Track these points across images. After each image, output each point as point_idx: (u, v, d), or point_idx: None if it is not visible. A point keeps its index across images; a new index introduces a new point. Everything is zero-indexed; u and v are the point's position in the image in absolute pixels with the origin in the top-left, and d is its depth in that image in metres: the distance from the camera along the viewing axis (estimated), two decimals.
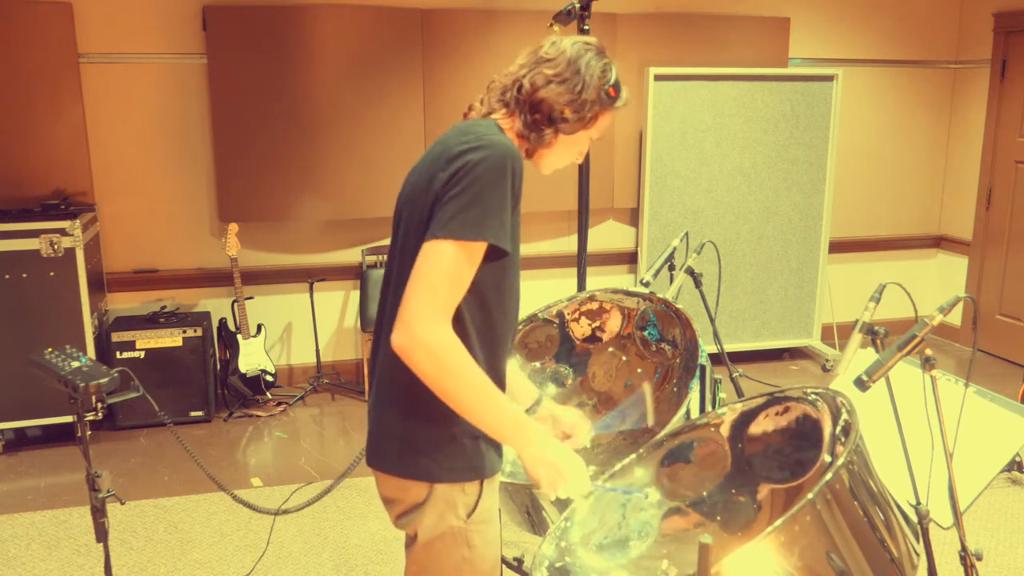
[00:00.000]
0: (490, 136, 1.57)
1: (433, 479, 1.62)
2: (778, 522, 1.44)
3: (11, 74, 4.28)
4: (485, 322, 1.62)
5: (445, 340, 1.50)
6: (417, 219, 1.59)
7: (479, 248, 1.52)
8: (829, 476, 1.50)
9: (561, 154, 1.74)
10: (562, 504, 2.05)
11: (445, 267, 1.50)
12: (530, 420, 1.64)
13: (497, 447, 1.69)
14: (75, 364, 2.28)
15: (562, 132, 1.68)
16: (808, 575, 1.47)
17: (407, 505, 1.65)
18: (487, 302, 1.61)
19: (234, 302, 4.65)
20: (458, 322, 1.57)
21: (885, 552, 1.59)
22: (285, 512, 3.47)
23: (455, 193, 1.51)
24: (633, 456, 2.06)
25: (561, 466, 1.63)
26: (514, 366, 2.02)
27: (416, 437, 1.60)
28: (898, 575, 1.60)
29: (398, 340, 1.51)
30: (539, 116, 1.66)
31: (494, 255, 1.55)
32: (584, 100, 1.65)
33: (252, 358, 4.65)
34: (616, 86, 1.70)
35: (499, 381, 1.68)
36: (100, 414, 4.22)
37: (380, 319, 1.72)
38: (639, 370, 2.49)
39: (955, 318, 5.86)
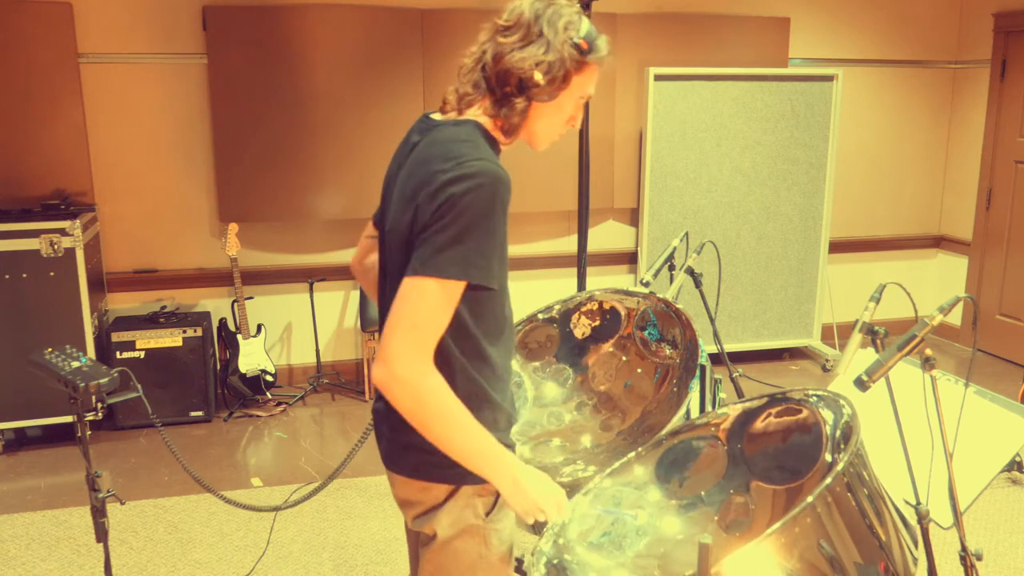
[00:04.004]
0: (476, 160, 1.48)
1: (456, 481, 1.61)
2: (778, 524, 1.44)
3: (11, 74, 4.28)
4: (477, 352, 1.59)
5: (424, 378, 1.48)
6: (399, 242, 1.56)
7: (460, 286, 1.48)
8: (829, 479, 1.50)
9: (549, 124, 1.63)
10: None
11: (426, 305, 1.46)
12: (508, 454, 1.60)
13: (511, 447, 1.70)
14: (75, 364, 2.28)
15: (537, 100, 1.56)
16: None
17: (427, 506, 1.65)
18: (478, 334, 1.58)
19: (234, 302, 4.65)
20: (444, 358, 1.54)
21: (883, 554, 1.59)
22: (281, 509, 3.47)
23: (439, 227, 1.45)
24: (632, 455, 2.06)
25: (538, 497, 1.61)
26: None
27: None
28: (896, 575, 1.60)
29: (378, 375, 1.49)
30: (509, 88, 1.55)
31: (479, 287, 1.51)
32: (551, 60, 1.52)
33: (252, 358, 4.65)
34: (588, 36, 1.56)
35: (506, 405, 1.68)
36: (100, 414, 4.22)
37: (382, 321, 1.72)
38: (639, 370, 2.49)
39: (955, 318, 5.86)
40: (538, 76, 1.53)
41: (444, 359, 1.55)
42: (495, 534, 1.66)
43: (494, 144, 1.61)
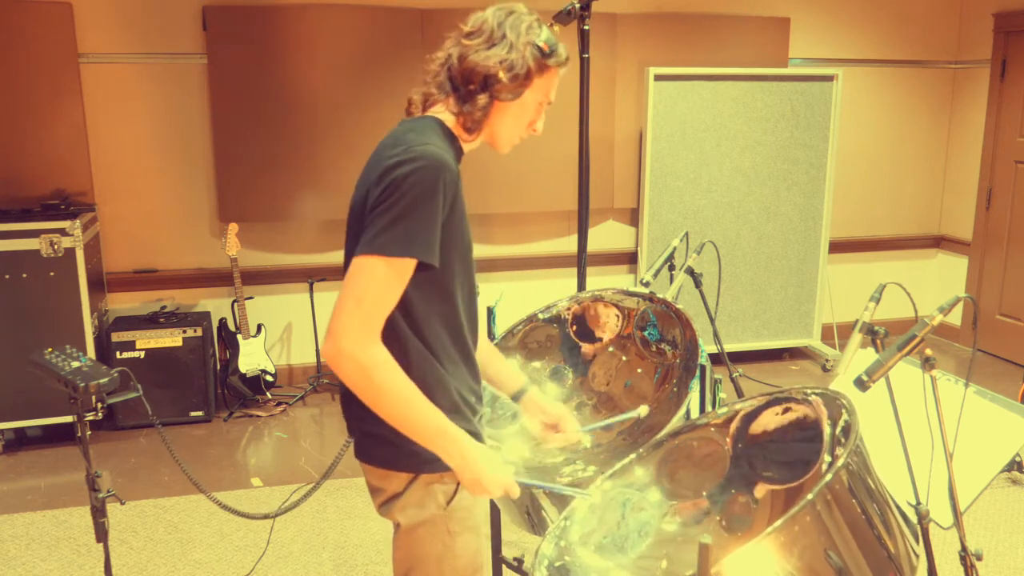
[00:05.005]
0: (421, 146, 1.55)
1: (414, 470, 1.66)
2: (778, 522, 1.44)
3: (11, 74, 4.28)
4: (432, 334, 1.64)
5: (370, 353, 1.53)
6: (354, 225, 1.62)
7: (407, 264, 1.53)
8: (829, 477, 1.50)
9: (511, 126, 1.70)
10: (561, 503, 2.05)
11: (372, 283, 1.52)
12: (456, 430, 1.62)
13: (476, 435, 1.73)
14: (75, 364, 2.28)
15: (499, 98, 1.64)
16: (808, 575, 1.47)
17: (389, 494, 1.70)
18: (429, 315, 1.62)
19: (234, 302, 4.65)
20: (395, 340, 1.59)
21: (884, 552, 1.59)
22: (269, 516, 3.46)
23: (383, 209, 1.52)
24: (633, 456, 2.06)
25: (481, 475, 1.63)
26: (499, 355, 2.07)
27: (397, 431, 1.62)
28: (897, 575, 1.60)
29: (326, 350, 1.54)
30: (473, 86, 1.63)
31: (426, 268, 1.56)
32: (514, 58, 1.61)
33: (252, 358, 4.65)
34: (548, 41, 1.65)
35: (469, 389, 1.72)
36: (100, 414, 4.22)
37: None
38: (639, 370, 2.49)
39: (955, 318, 5.86)
40: (502, 73, 1.61)
41: (398, 341, 1.60)
42: (458, 523, 1.69)
43: (454, 141, 1.67)
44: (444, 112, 1.67)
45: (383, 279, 1.52)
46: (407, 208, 1.51)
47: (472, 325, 1.75)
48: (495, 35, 1.62)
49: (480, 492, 1.65)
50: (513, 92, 1.64)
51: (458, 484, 1.69)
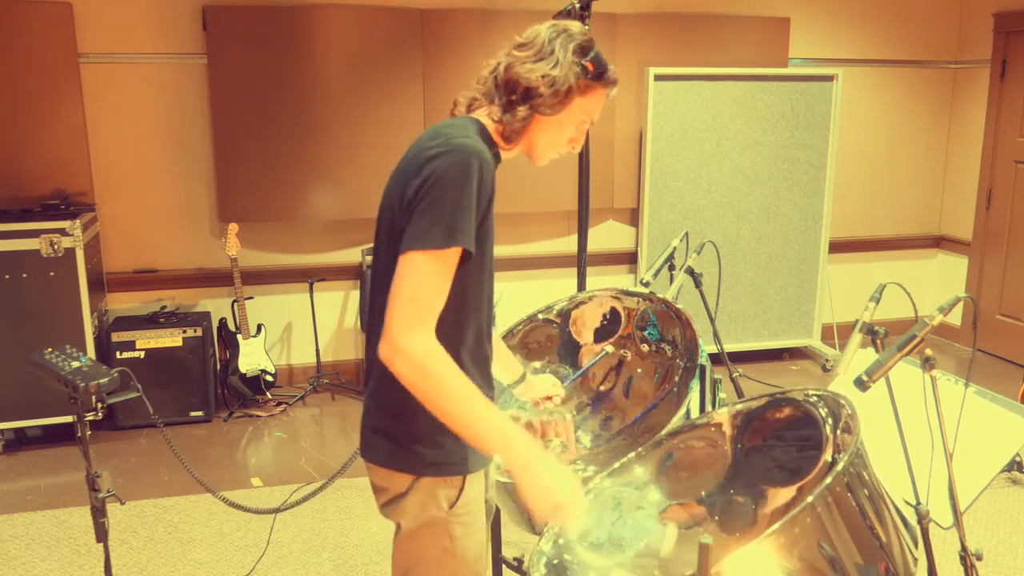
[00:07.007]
0: (457, 139, 1.57)
1: (417, 472, 1.65)
2: (778, 524, 1.44)
3: (11, 74, 4.28)
4: (455, 334, 1.63)
5: (427, 349, 1.52)
6: (390, 225, 1.63)
7: (453, 254, 1.53)
8: (829, 479, 1.50)
9: (549, 141, 1.72)
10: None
11: (422, 278, 1.52)
12: (521, 433, 1.59)
13: None
14: (75, 364, 2.28)
15: (539, 112, 1.66)
16: None
17: (391, 494, 1.69)
18: (455, 314, 1.62)
19: (234, 302, 4.65)
20: None
21: (883, 554, 1.59)
22: (278, 511, 3.46)
23: (425, 205, 1.52)
24: (632, 455, 2.06)
25: (558, 492, 1.57)
26: (502, 343, 2.13)
27: (402, 431, 1.64)
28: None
29: (383, 351, 1.53)
30: (515, 96, 1.65)
31: (462, 258, 1.56)
32: (557, 75, 1.63)
33: (252, 358, 4.65)
34: (596, 61, 1.66)
35: (482, 381, 1.72)
36: (100, 414, 4.22)
37: (369, 317, 1.75)
38: (639, 370, 2.49)
39: (955, 318, 5.86)
40: (543, 87, 1.64)
41: None
42: (460, 527, 1.68)
43: (492, 145, 1.68)
44: (485, 117, 1.69)
45: (432, 273, 1.52)
46: (446, 199, 1.51)
47: (488, 329, 1.75)
48: (544, 50, 1.65)
49: (551, 511, 1.57)
50: (552, 108, 1.65)
51: (461, 488, 1.67)
